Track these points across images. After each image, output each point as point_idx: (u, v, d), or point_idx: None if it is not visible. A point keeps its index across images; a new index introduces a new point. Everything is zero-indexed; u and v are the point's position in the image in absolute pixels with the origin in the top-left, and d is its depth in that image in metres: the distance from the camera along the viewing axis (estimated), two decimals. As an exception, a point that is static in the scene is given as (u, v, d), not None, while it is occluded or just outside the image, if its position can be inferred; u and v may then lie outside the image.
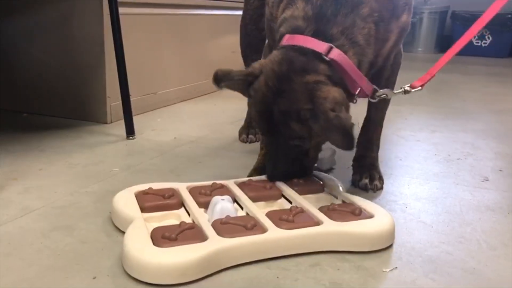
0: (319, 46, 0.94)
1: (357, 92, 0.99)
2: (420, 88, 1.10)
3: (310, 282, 0.77)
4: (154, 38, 1.92)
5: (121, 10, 1.52)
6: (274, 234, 0.83)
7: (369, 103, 1.16)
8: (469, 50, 4.15)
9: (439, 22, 4.37)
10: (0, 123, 1.68)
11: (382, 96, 1.05)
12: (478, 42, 4.22)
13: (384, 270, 0.81)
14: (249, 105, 1.06)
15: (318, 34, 0.95)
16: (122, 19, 1.51)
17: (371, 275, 0.79)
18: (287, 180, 1.03)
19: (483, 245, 0.90)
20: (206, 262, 0.76)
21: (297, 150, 1.01)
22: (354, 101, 1.01)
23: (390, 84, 1.14)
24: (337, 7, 0.95)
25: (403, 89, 1.09)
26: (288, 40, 0.97)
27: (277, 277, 0.78)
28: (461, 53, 4.46)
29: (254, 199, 0.97)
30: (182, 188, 1.01)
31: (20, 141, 1.46)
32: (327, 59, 0.93)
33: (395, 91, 1.09)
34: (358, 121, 1.18)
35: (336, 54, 0.94)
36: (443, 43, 4.41)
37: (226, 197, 0.95)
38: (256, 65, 1.01)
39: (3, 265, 0.79)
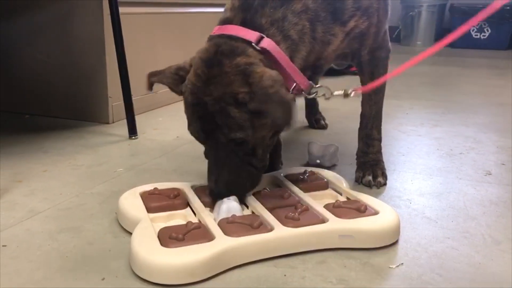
0: (249, 34, 0.89)
1: (292, 88, 0.93)
2: (359, 93, 1.06)
3: (317, 279, 0.77)
4: (154, 37, 1.92)
5: (121, 9, 1.52)
6: (280, 232, 0.83)
7: (362, 98, 1.17)
8: (468, 43, 4.14)
9: (437, 16, 4.36)
10: (2, 125, 1.68)
11: (320, 93, 1.00)
12: (477, 35, 4.21)
13: (391, 266, 0.81)
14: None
15: (246, 23, 0.91)
16: (122, 19, 1.51)
17: (377, 272, 0.80)
18: (234, 195, 0.92)
19: (488, 240, 0.91)
20: (213, 262, 0.77)
21: (242, 150, 0.90)
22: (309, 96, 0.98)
23: (377, 78, 1.12)
24: (265, 0, 0.92)
25: (344, 92, 1.02)
26: (216, 30, 0.93)
27: (285, 275, 0.78)
28: (460, 45, 4.44)
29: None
30: (187, 188, 1.01)
31: (23, 142, 1.47)
32: (258, 48, 0.88)
33: (334, 92, 1.02)
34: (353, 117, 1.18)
35: (267, 43, 0.89)
36: (442, 37, 4.40)
37: (232, 196, 0.95)
38: (187, 60, 0.96)
39: (12, 267, 0.80)
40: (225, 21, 0.94)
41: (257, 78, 0.85)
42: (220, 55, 0.88)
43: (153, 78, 0.98)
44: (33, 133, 1.56)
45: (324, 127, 1.65)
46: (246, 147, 0.90)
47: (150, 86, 0.99)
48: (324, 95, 1.01)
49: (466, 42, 4.16)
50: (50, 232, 0.92)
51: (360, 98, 1.18)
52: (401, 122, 1.74)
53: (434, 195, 1.11)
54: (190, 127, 0.93)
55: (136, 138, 1.53)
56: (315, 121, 1.66)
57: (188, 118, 0.93)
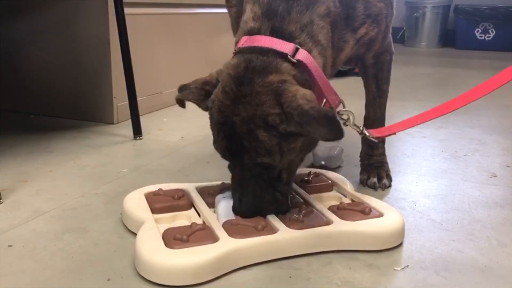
0: (283, 46, 0.84)
1: (322, 105, 0.89)
2: (375, 139, 1.02)
3: (322, 281, 0.77)
4: (159, 38, 1.92)
5: (126, 10, 1.52)
6: (285, 234, 0.83)
7: (366, 101, 1.17)
8: (473, 44, 4.14)
9: (442, 17, 4.36)
10: (8, 125, 1.69)
11: (344, 117, 0.96)
12: (481, 36, 4.20)
13: (396, 268, 0.81)
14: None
15: (275, 32, 0.85)
16: (127, 19, 1.52)
17: (382, 274, 0.80)
18: (257, 215, 0.88)
19: (493, 242, 0.90)
20: (218, 263, 0.77)
21: (267, 173, 0.85)
22: None
23: (381, 81, 1.14)
24: (288, 3, 0.87)
25: (361, 128, 1.00)
26: (245, 42, 0.87)
27: (290, 276, 0.78)
28: (464, 47, 4.43)
29: None
30: (191, 188, 1.02)
31: (28, 142, 1.47)
32: (294, 60, 0.83)
33: (355, 124, 0.99)
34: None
35: (302, 55, 0.84)
36: (446, 38, 4.40)
37: (227, 193, 0.93)
38: (213, 73, 0.89)
39: (18, 268, 0.80)
40: (251, 31, 0.87)
41: (290, 98, 0.79)
42: (251, 72, 0.82)
43: (178, 95, 0.90)
44: (38, 133, 1.57)
45: None
46: (272, 172, 0.85)
47: (181, 104, 0.92)
48: (346, 120, 0.97)
49: (470, 43, 4.15)
50: (56, 232, 0.93)
51: (364, 101, 1.17)
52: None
53: (439, 197, 1.11)
54: (215, 144, 0.88)
55: (141, 139, 1.54)
56: None
57: (213, 135, 0.88)
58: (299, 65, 0.84)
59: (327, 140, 0.78)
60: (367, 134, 1.01)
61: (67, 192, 1.11)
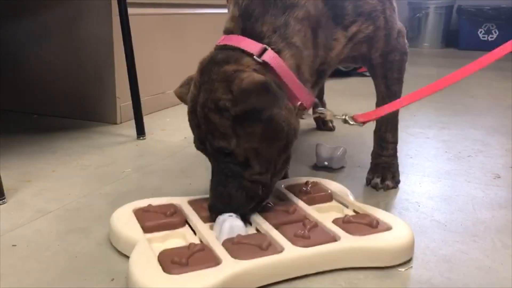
0: (251, 46, 0.86)
1: (298, 105, 0.90)
2: (361, 124, 1.00)
3: (325, 282, 0.77)
4: (162, 38, 1.92)
5: (130, 10, 1.52)
6: (292, 253, 0.78)
7: (377, 102, 1.15)
8: (476, 45, 4.13)
9: (445, 17, 4.35)
10: (11, 125, 1.69)
11: (321, 115, 0.97)
12: (484, 37, 4.19)
13: (400, 269, 0.81)
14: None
15: (246, 32, 0.89)
16: (131, 20, 1.52)
17: (386, 275, 0.80)
18: (231, 211, 0.87)
19: (497, 244, 0.90)
20: None
21: (232, 162, 0.86)
22: (303, 116, 0.94)
23: (391, 81, 1.12)
24: (265, 7, 0.89)
25: (344, 117, 1.00)
26: (221, 40, 0.91)
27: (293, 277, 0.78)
28: (467, 47, 4.40)
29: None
30: (184, 203, 0.95)
31: (31, 142, 1.47)
32: (260, 60, 0.85)
33: (335, 115, 0.99)
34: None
35: (270, 56, 0.86)
36: (449, 38, 4.39)
37: (234, 213, 0.87)
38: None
39: (21, 268, 0.80)
40: (227, 31, 0.92)
41: (238, 83, 0.82)
42: (212, 63, 0.87)
43: (177, 92, 0.97)
44: (42, 133, 1.57)
45: (331, 129, 1.64)
46: (235, 159, 0.86)
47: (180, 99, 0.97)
48: (325, 116, 1.00)
49: (473, 44, 4.14)
50: (59, 232, 0.93)
51: (375, 100, 1.16)
52: (408, 124, 1.74)
53: (443, 198, 1.11)
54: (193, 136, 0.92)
55: (144, 139, 1.54)
56: (323, 123, 1.64)
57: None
58: (265, 65, 0.86)
59: (269, 107, 0.82)
60: (351, 122, 1.00)
61: (71, 192, 1.11)
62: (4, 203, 1.04)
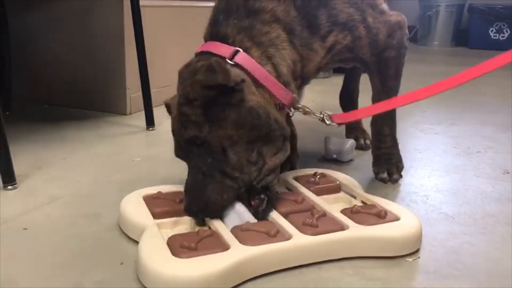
0: (223, 49, 0.87)
1: (278, 103, 0.89)
2: (336, 125, 1.00)
3: (333, 270, 0.78)
4: (174, 30, 1.93)
5: (141, 2, 1.53)
6: (300, 241, 0.78)
7: (373, 96, 1.12)
8: (487, 44, 4.10)
9: (456, 16, 4.32)
10: (23, 114, 1.70)
11: (300, 110, 0.95)
12: (496, 36, 4.16)
13: (407, 259, 0.81)
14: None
15: (213, 36, 0.91)
16: (142, 11, 1.53)
17: (394, 264, 0.80)
18: (206, 213, 0.84)
19: (506, 237, 0.90)
20: (231, 273, 0.71)
21: (205, 151, 0.83)
22: (291, 113, 0.94)
23: (386, 77, 1.09)
24: (229, 13, 0.91)
25: (323, 115, 0.98)
26: (199, 48, 0.93)
27: (301, 265, 0.79)
28: (478, 46, 4.36)
29: None
30: None
31: (42, 131, 1.49)
32: (231, 63, 0.85)
33: (315, 113, 0.98)
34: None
35: (242, 57, 0.86)
36: (459, 37, 4.37)
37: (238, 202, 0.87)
38: None
39: (32, 251, 0.81)
40: (204, 38, 0.95)
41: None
42: (185, 66, 0.89)
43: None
44: (53, 123, 1.59)
45: (363, 147, 1.38)
46: (210, 149, 0.83)
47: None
48: (305, 111, 0.96)
49: (484, 43, 4.11)
50: (70, 217, 0.94)
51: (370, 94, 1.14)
52: (418, 120, 1.73)
53: (451, 192, 1.11)
54: None
55: (154, 129, 1.55)
56: (355, 138, 1.37)
57: None
58: (237, 66, 0.85)
59: (218, 86, 0.80)
60: (327, 122, 0.99)
61: (81, 179, 1.13)
62: (15, 188, 1.05)
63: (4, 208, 0.96)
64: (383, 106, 1.03)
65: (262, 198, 0.87)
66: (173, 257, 0.72)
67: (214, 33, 0.91)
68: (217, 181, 0.83)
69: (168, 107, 0.96)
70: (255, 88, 0.86)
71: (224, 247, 0.76)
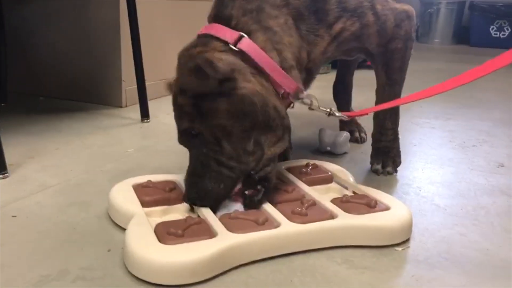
0: (227, 34, 0.85)
1: (282, 91, 0.87)
2: (345, 117, 1.01)
3: (322, 258, 0.77)
4: (169, 23, 1.92)
5: (137, -6, 1.53)
6: (288, 229, 0.78)
7: (377, 88, 1.11)
8: (487, 42, 4.08)
9: (456, 13, 4.31)
10: (18, 106, 1.70)
11: (305, 100, 0.92)
12: (496, 34, 4.15)
13: (396, 249, 0.81)
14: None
15: (217, 17, 0.88)
16: (138, 4, 1.52)
17: (383, 253, 0.79)
18: (205, 202, 0.84)
19: (497, 228, 0.89)
20: (217, 260, 0.71)
21: (200, 141, 0.83)
22: (292, 105, 0.93)
23: (392, 70, 1.07)
24: None
25: (329, 110, 0.98)
26: (203, 29, 0.90)
27: (290, 253, 0.78)
28: (479, 44, 4.33)
29: None
30: (182, 179, 0.91)
31: (36, 122, 1.48)
32: (235, 49, 0.83)
33: (321, 107, 0.96)
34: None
35: (246, 43, 0.84)
36: (460, 35, 4.35)
37: None
38: None
39: (20, 238, 0.81)
40: (208, 19, 0.92)
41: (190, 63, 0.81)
42: (183, 50, 0.87)
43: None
44: (48, 114, 1.58)
45: (358, 140, 1.38)
46: (203, 140, 0.82)
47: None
48: (311, 104, 0.94)
49: (485, 41, 4.10)
50: (60, 205, 0.93)
51: (375, 87, 1.13)
52: (414, 114, 1.73)
53: (445, 184, 1.10)
54: None
55: (148, 122, 1.54)
56: (350, 131, 1.36)
57: None
58: (241, 53, 0.84)
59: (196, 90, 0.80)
60: (337, 114, 0.99)
61: (73, 168, 1.12)
62: (6, 177, 1.05)
63: (-6, 196, 0.96)
64: (393, 104, 1.03)
65: (259, 189, 0.86)
66: (159, 243, 0.72)
67: (219, 14, 0.89)
68: (214, 170, 0.82)
69: (169, 86, 0.93)
70: (252, 76, 0.84)
71: (211, 234, 0.75)
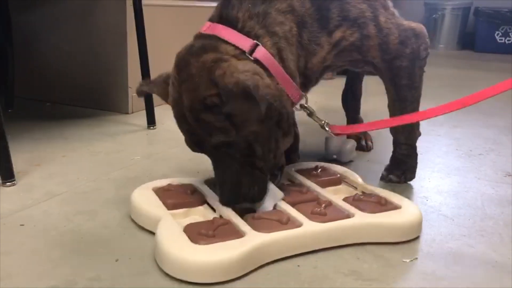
0: (241, 41, 0.83)
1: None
2: (333, 135, 1.05)
3: (329, 270, 0.77)
4: (176, 29, 1.93)
5: (144, 1, 1.53)
6: (311, 228, 0.81)
7: (388, 104, 1.09)
8: (492, 47, 4.08)
9: (461, 19, 4.30)
10: (24, 111, 1.71)
11: (305, 110, 0.97)
12: (501, 39, 4.14)
13: (404, 260, 0.81)
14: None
15: (222, 18, 0.87)
16: (144, 10, 1.53)
17: (391, 265, 0.79)
18: (245, 201, 0.86)
19: (505, 239, 0.89)
20: (247, 259, 0.74)
21: (237, 152, 0.83)
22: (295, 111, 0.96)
23: (400, 88, 1.04)
24: None
25: (323, 122, 1.01)
26: (206, 28, 0.88)
27: (298, 265, 0.78)
28: (484, 50, 4.33)
29: None
30: (200, 183, 0.98)
31: (43, 129, 1.49)
32: (251, 58, 0.83)
33: (317, 117, 1.00)
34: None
35: (261, 52, 0.83)
36: (465, 40, 4.34)
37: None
38: None
39: (28, 246, 0.81)
40: (209, 20, 0.90)
41: (221, 75, 0.77)
42: (189, 54, 0.83)
43: (143, 87, 0.96)
44: (54, 120, 1.59)
45: (364, 148, 1.36)
46: (238, 148, 0.82)
47: (140, 94, 0.99)
48: (310, 112, 0.99)
49: (490, 47, 4.09)
50: (67, 214, 0.93)
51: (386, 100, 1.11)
52: (420, 122, 1.71)
53: (451, 193, 1.10)
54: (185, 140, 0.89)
55: (154, 128, 1.55)
56: (356, 139, 1.34)
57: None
58: (257, 63, 0.83)
59: (254, 119, 0.80)
60: (327, 129, 1.01)
61: (79, 176, 1.12)
62: (13, 185, 1.05)
63: (2, 204, 0.96)
64: (382, 124, 1.05)
65: (276, 174, 0.92)
66: (193, 243, 0.74)
67: (224, 16, 0.87)
68: (248, 173, 0.85)
69: (153, 82, 0.95)
70: (270, 80, 0.84)
71: (240, 234, 0.78)
